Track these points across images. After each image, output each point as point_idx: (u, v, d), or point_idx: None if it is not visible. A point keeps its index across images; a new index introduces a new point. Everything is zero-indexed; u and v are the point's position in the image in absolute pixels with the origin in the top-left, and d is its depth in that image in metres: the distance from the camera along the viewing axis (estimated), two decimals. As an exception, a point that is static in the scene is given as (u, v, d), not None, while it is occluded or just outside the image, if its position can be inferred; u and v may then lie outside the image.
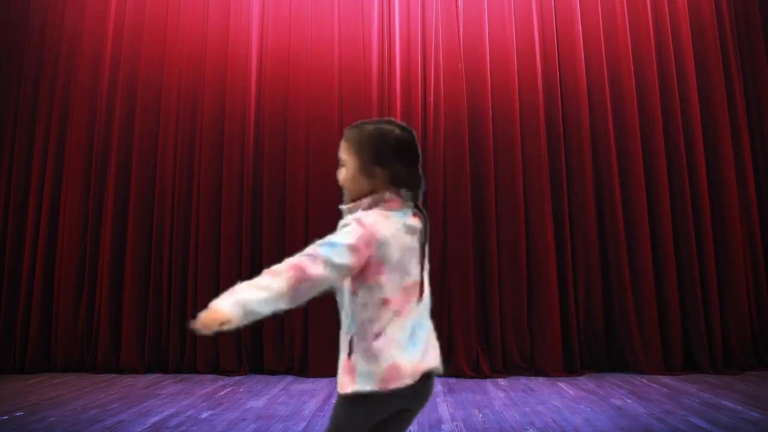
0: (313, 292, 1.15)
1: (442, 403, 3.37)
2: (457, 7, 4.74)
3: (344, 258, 1.15)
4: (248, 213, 4.61)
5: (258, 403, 3.43)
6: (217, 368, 4.40)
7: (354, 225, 1.19)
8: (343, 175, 1.31)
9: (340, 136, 1.29)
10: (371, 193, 1.26)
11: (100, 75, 4.95)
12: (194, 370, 4.41)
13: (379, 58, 4.71)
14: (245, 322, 1.09)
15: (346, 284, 1.23)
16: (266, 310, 1.10)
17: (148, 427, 2.88)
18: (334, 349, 4.74)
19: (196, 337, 4.44)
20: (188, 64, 4.87)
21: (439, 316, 4.59)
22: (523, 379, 4.05)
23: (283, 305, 1.12)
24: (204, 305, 1.05)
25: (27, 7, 5.15)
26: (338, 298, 1.28)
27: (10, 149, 4.96)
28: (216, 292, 4.85)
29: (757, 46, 4.80)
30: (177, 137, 4.80)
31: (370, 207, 1.25)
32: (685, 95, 4.59)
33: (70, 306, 4.65)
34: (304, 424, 2.94)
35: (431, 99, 4.62)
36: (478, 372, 4.18)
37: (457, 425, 2.87)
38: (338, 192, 1.28)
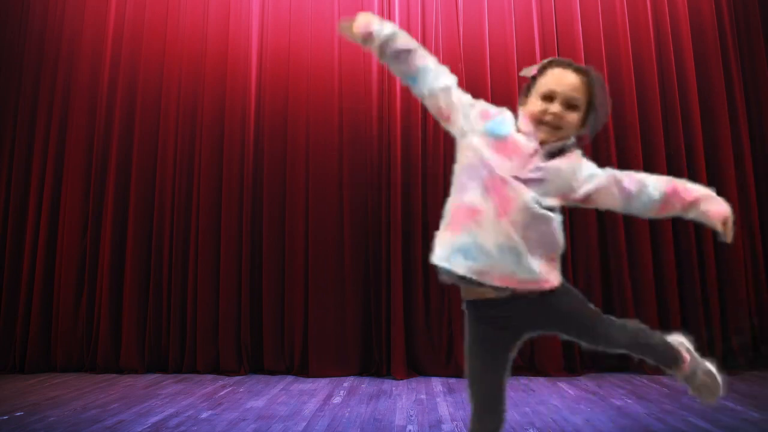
0: None
1: (442, 403, 3.38)
2: (457, 7, 4.74)
3: None
4: (248, 213, 4.60)
5: (258, 403, 3.43)
6: (217, 368, 4.40)
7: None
8: (573, 117, 1.34)
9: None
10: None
11: (100, 75, 4.95)
12: (194, 370, 4.41)
13: (379, 58, 4.70)
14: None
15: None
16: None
17: (148, 427, 2.88)
18: (334, 349, 4.70)
19: (196, 337, 4.44)
20: (188, 64, 4.87)
21: (439, 315, 4.58)
22: (523, 379, 4.04)
23: None
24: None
25: (27, 7, 5.14)
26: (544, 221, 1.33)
27: (10, 149, 4.96)
28: (216, 292, 4.84)
29: (757, 46, 4.79)
30: (177, 137, 4.80)
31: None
32: (685, 95, 4.59)
33: (70, 306, 4.65)
34: (304, 424, 2.94)
35: (431, 99, 4.62)
36: (478, 372, 4.17)
37: (457, 425, 2.87)
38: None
